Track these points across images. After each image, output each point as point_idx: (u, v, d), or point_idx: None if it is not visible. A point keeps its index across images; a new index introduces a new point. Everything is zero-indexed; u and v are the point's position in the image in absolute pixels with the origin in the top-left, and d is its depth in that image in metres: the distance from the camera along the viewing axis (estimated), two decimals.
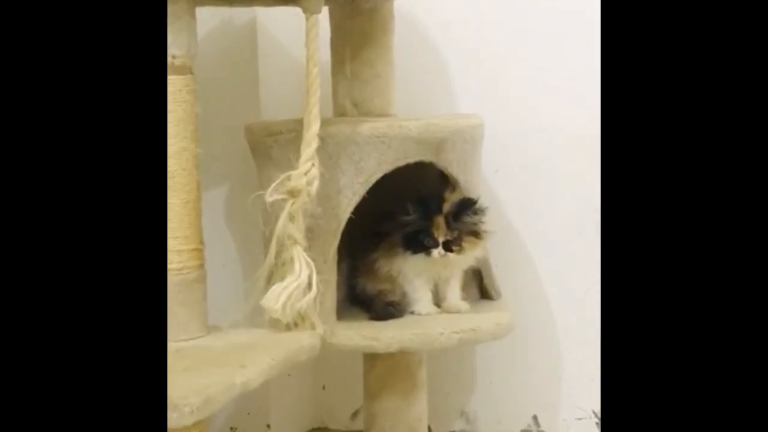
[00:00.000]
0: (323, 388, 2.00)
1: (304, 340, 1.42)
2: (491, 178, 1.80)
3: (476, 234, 1.54)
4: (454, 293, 1.60)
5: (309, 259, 1.44)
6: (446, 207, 1.53)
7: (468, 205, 1.53)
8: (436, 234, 1.52)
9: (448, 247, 1.53)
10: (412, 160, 1.51)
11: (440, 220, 1.52)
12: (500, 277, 1.69)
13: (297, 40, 1.59)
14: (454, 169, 1.54)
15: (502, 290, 1.68)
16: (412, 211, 1.53)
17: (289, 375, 1.38)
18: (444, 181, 1.57)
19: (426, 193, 1.57)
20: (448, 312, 1.58)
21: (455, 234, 1.53)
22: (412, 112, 1.74)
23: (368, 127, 1.50)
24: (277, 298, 1.41)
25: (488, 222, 1.56)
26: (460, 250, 1.53)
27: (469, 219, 1.53)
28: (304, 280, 1.43)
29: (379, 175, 1.50)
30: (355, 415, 1.96)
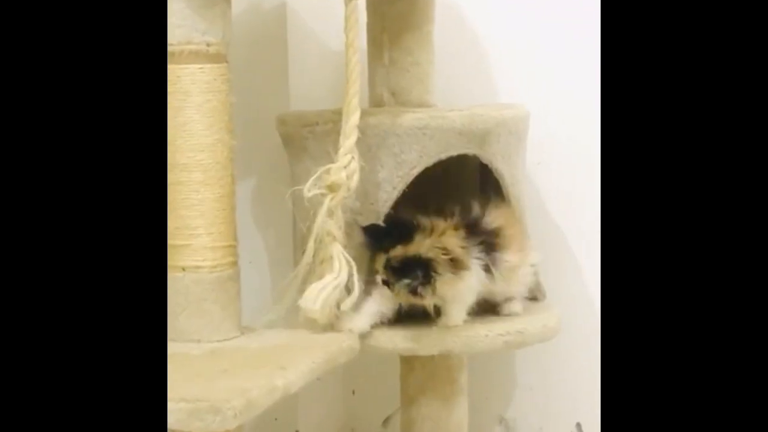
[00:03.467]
0: (353, 392, 1.99)
1: (343, 342, 1.41)
2: (533, 171, 1.76)
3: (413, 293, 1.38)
4: None
5: (349, 257, 1.42)
6: (396, 251, 1.38)
7: (408, 271, 1.36)
8: (375, 266, 1.41)
9: (385, 282, 1.40)
10: (455, 152, 1.49)
11: (381, 258, 1.41)
12: (544, 277, 1.65)
13: (330, 25, 1.62)
14: (498, 163, 1.52)
15: (546, 290, 1.65)
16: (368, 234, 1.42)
17: (318, 378, 1.37)
18: (484, 174, 1.54)
19: (400, 222, 1.42)
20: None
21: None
22: (449, 102, 1.71)
23: (409, 117, 1.48)
24: (316, 297, 1.41)
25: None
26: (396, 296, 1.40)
27: (398, 284, 1.37)
28: (344, 278, 1.41)
29: (419, 168, 1.48)
30: (387, 421, 1.95)
